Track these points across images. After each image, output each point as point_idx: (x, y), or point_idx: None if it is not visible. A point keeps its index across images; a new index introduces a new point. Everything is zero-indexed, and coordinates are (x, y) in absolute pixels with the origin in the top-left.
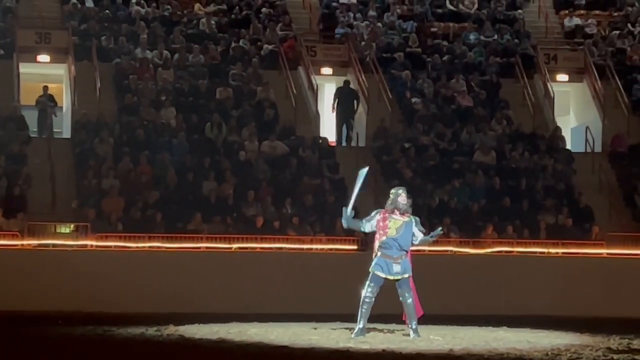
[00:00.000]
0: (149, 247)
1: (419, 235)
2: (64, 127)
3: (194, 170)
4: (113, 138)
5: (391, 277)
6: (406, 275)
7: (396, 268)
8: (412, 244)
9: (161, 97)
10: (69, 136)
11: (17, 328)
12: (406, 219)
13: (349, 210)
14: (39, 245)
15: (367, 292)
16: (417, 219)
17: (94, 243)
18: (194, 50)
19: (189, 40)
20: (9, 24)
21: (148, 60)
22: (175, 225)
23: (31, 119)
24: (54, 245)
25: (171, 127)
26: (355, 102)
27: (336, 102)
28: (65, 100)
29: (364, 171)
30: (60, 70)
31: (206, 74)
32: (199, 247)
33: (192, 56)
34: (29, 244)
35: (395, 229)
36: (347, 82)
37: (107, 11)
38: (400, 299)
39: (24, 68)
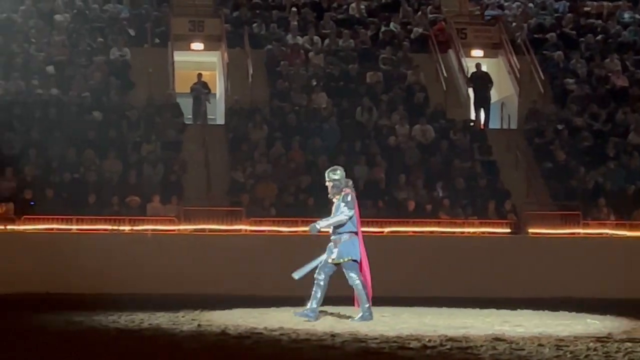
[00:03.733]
0: (302, 231)
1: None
2: (217, 113)
3: (345, 154)
4: (266, 124)
5: (336, 262)
6: (346, 259)
7: (335, 252)
8: (327, 219)
9: (312, 83)
10: (222, 122)
11: (176, 311)
12: (336, 200)
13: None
14: (195, 230)
15: (317, 274)
16: (347, 197)
17: (248, 227)
18: (344, 35)
19: (339, 25)
20: (164, 12)
21: (299, 46)
22: (327, 209)
23: (186, 106)
24: (210, 230)
25: (322, 112)
26: (489, 85)
27: (471, 87)
28: (218, 87)
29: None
30: (214, 58)
31: (356, 59)
32: None
33: (342, 41)
34: (185, 229)
35: (332, 212)
36: (478, 65)
37: None
38: (349, 282)
39: (178, 56)
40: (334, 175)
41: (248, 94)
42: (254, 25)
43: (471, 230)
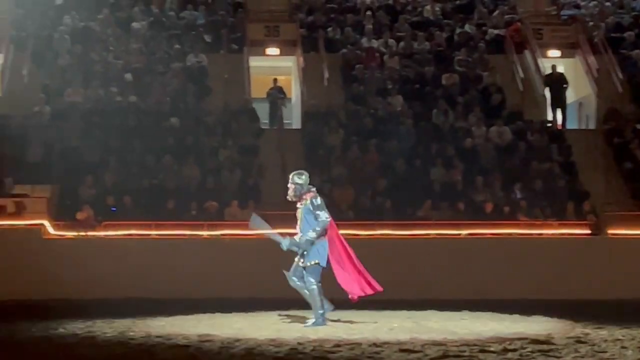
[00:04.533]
0: (380, 234)
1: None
2: (293, 118)
3: (422, 157)
4: (341, 127)
5: (303, 265)
6: (308, 264)
7: (304, 255)
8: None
9: (387, 85)
10: (298, 127)
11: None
12: (301, 205)
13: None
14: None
15: (291, 282)
16: (315, 201)
17: None
18: (419, 38)
19: (414, 28)
20: (240, 18)
21: (374, 49)
22: (405, 212)
23: (262, 111)
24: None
25: (398, 115)
26: (564, 87)
27: (547, 89)
28: (294, 92)
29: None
30: (289, 63)
31: (432, 61)
32: (429, 234)
33: (417, 43)
34: (262, 234)
35: (298, 218)
36: (554, 67)
37: (333, 2)
38: (305, 284)
39: (254, 61)
40: (298, 179)
41: (323, 98)
42: (329, 29)
43: (550, 232)
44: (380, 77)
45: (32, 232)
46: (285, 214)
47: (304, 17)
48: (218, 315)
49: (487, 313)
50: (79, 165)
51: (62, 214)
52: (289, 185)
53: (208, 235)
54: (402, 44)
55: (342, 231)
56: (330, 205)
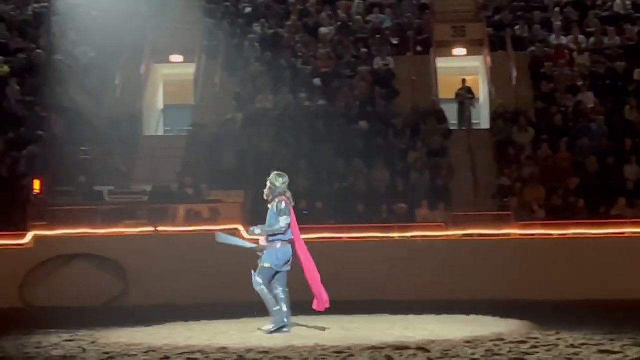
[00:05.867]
0: (572, 234)
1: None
2: (481, 118)
3: (614, 154)
4: (531, 126)
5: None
6: (263, 265)
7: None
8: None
9: (578, 82)
10: (487, 127)
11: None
12: (270, 206)
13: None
14: (464, 235)
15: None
16: (280, 205)
17: (517, 232)
18: (610, 33)
19: (603, 23)
20: (426, 20)
21: (563, 46)
22: (598, 210)
23: (450, 111)
24: (479, 235)
25: (589, 112)
26: None
27: None
28: (482, 92)
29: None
30: (476, 63)
31: (623, 56)
32: (623, 233)
33: (607, 39)
34: (454, 234)
35: (267, 219)
36: None
37: (520, 0)
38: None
39: (441, 62)
40: (276, 181)
41: (512, 97)
42: (517, 27)
43: None
44: (569, 74)
45: None
46: (477, 215)
47: (491, 16)
48: (411, 317)
49: None
50: (270, 170)
51: (256, 219)
52: (268, 183)
53: (399, 237)
54: (592, 39)
55: (533, 231)
56: (521, 205)
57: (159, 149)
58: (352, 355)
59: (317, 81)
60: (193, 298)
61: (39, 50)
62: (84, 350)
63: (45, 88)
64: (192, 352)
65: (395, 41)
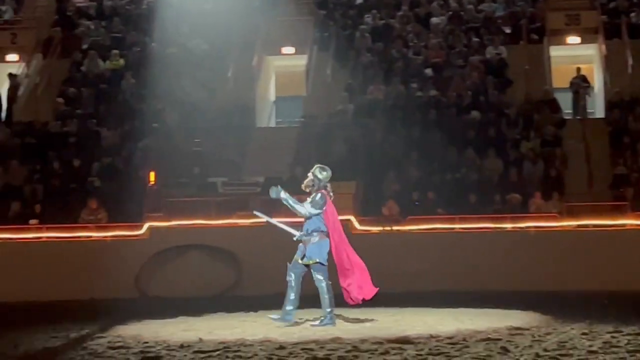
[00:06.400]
0: None
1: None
2: (596, 106)
3: None
4: None
5: (304, 262)
6: (311, 261)
7: (303, 253)
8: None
9: None
10: (602, 116)
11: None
12: (309, 198)
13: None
14: (579, 226)
15: (287, 275)
16: (316, 196)
17: (634, 222)
18: None
19: None
20: (540, 8)
21: None
22: None
23: (563, 100)
24: (594, 226)
25: None
26: None
27: None
28: (597, 80)
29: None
30: (591, 51)
31: None
32: None
33: None
34: (569, 225)
35: None
36: None
37: None
38: (315, 283)
39: (554, 51)
40: (320, 174)
41: (628, 85)
42: (632, 14)
43: None
44: None
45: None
46: (592, 205)
47: (606, 3)
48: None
49: None
50: (382, 160)
51: (367, 209)
52: (309, 174)
53: (512, 227)
54: None
55: None
56: (637, 194)
57: (270, 140)
58: (467, 347)
59: (428, 71)
60: (305, 287)
61: (153, 44)
62: (201, 340)
63: (159, 81)
64: (307, 342)
65: (507, 30)
